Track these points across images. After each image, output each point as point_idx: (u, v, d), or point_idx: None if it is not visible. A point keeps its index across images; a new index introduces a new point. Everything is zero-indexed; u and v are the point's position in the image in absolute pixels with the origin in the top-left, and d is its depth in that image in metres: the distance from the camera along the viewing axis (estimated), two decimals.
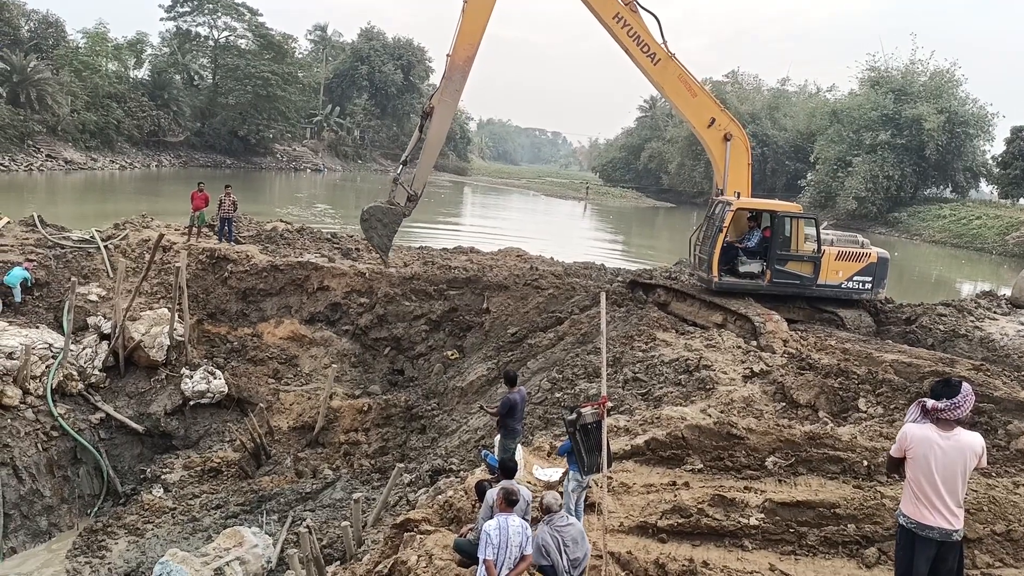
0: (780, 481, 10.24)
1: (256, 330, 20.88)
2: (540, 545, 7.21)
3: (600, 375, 8.81)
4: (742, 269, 18.02)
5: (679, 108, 19.35)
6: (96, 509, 16.85)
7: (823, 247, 17.89)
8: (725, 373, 14.19)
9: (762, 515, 9.46)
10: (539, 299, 20.86)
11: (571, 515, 8.09)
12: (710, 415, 11.84)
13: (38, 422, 16.50)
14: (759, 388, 13.60)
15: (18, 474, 15.70)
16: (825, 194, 74.80)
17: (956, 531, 6.42)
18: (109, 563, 14.71)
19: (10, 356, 16.58)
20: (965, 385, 6.38)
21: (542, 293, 21.14)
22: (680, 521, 9.38)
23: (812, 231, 18.51)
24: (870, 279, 18.09)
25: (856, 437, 11.19)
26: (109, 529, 15.60)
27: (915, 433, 6.40)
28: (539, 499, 7.99)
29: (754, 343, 16.02)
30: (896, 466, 6.66)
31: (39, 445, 16.29)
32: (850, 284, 18.01)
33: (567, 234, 53.33)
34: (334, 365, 19.90)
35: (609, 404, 9.06)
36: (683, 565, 8.71)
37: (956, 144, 71.60)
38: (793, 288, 17.97)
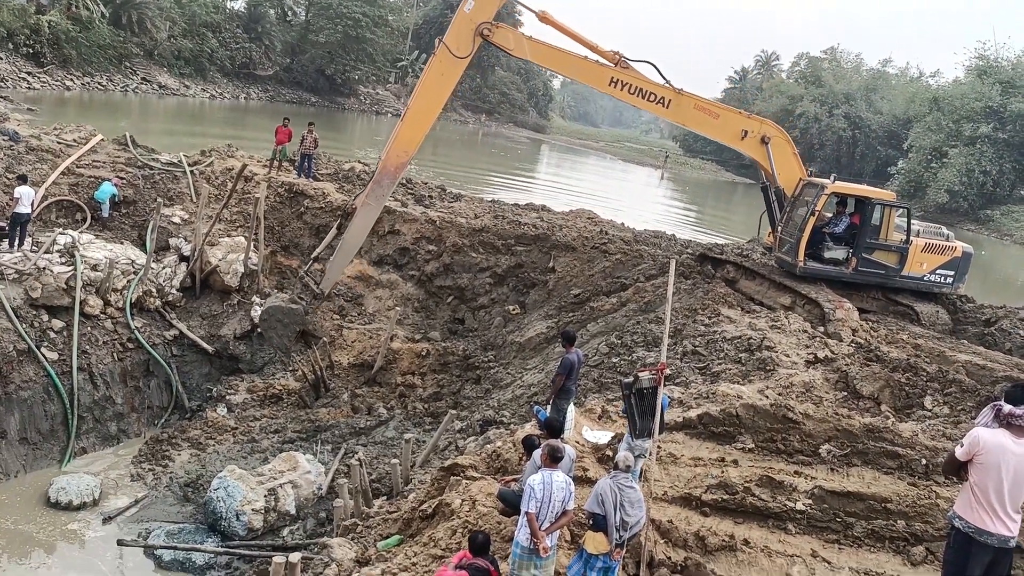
0: (832, 470, 10.08)
1: (324, 266, 21.35)
2: (598, 493, 7.28)
3: (660, 343, 8.78)
4: (827, 255, 17.49)
5: (708, 134, 19.06)
6: (163, 421, 17.71)
7: (911, 238, 17.26)
8: (787, 356, 13.94)
9: (810, 501, 9.36)
10: (605, 263, 20.75)
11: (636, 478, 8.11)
12: (767, 396, 11.68)
13: (116, 333, 17.33)
14: (821, 375, 13.33)
15: (93, 380, 16.58)
16: (915, 184, 71.66)
17: (1013, 538, 6.27)
18: (171, 472, 15.50)
19: (95, 268, 17.38)
20: None
21: (609, 257, 21.01)
22: (725, 497, 9.35)
23: (900, 220, 17.85)
24: (952, 273, 17.39)
25: (917, 435, 10.90)
26: (174, 440, 16.41)
27: (988, 439, 6.19)
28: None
29: (821, 329, 15.64)
30: (957, 469, 6.46)
31: (115, 355, 17.14)
32: (932, 277, 17.35)
33: (641, 200, 52.64)
34: (397, 308, 20.26)
35: (667, 371, 9.02)
36: (723, 540, 8.72)
37: None
38: (877, 278, 17.41)
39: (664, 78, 18.13)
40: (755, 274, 18.77)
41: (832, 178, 18.07)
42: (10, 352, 15.20)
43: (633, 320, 17.13)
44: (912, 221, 17.66)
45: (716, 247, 23.60)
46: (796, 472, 9.94)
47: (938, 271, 17.35)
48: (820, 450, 10.39)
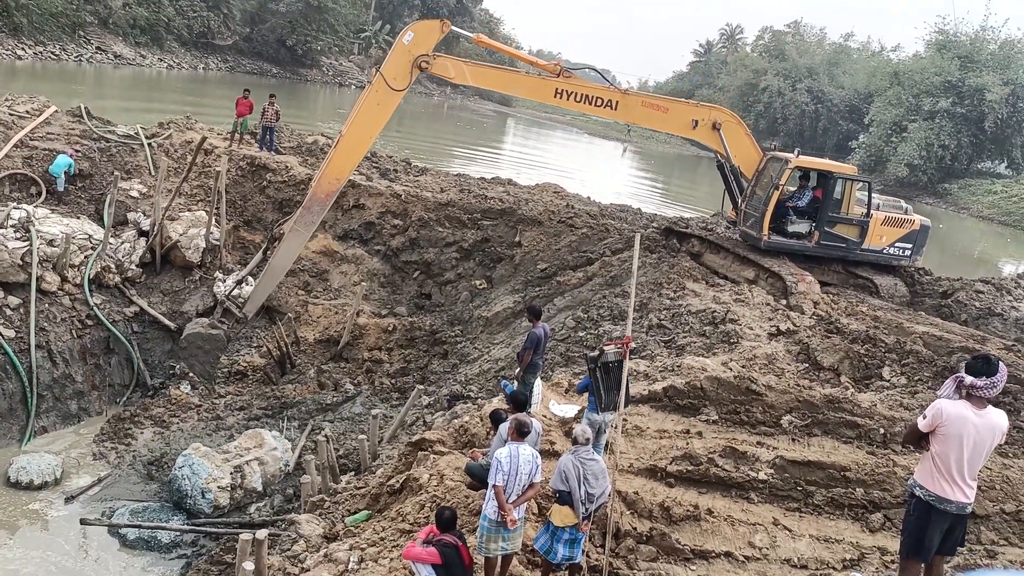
0: (793, 440, 10.29)
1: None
2: (561, 471, 7.36)
3: (626, 317, 8.83)
4: (791, 229, 17.71)
5: (660, 128, 19.32)
6: (125, 399, 17.44)
7: (871, 211, 17.56)
8: (751, 329, 14.13)
9: (771, 471, 9.55)
10: (572, 237, 20.78)
11: (596, 452, 8.20)
12: (731, 368, 11.85)
13: (74, 309, 16.98)
14: (783, 347, 13.55)
15: (52, 358, 16.25)
16: (876, 158, 72.67)
17: (970, 504, 6.48)
18: (134, 450, 15.31)
19: (51, 243, 16.96)
20: (1002, 364, 6.31)
21: (575, 232, 21.04)
22: (689, 468, 9.50)
23: (860, 194, 18.13)
24: (910, 246, 17.74)
25: (876, 405, 11.16)
26: (136, 419, 16.18)
27: (950, 410, 6.32)
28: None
29: (784, 302, 15.88)
30: (918, 439, 6.61)
31: (73, 332, 16.80)
32: (891, 250, 17.68)
33: (607, 174, 52.71)
34: (363, 283, 20.13)
35: (632, 346, 9.10)
36: (688, 510, 8.87)
37: (1018, 119, 68.84)
38: (839, 251, 17.70)
39: (607, 80, 18.28)
40: (720, 248, 18.96)
41: (796, 152, 18.26)
42: None
43: (599, 294, 17.22)
44: (872, 195, 17.94)
45: (681, 221, 23.76)
46: (759, 443, 10.13)
47: (897, 244, 17.68)
48: (782, 421, 10.59)
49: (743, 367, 12.03)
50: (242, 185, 21.72)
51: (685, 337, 13.97)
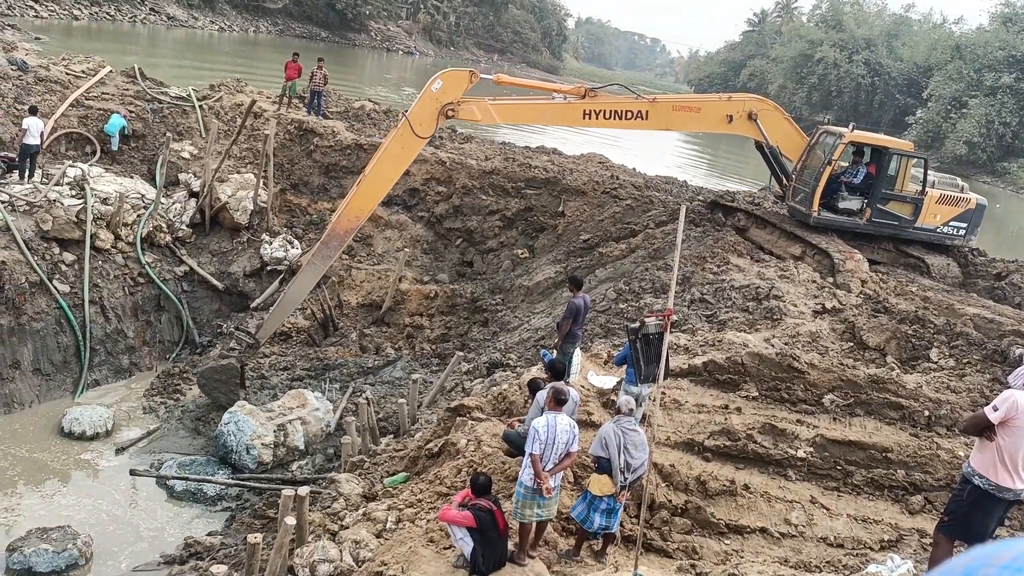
0: (835, 419, 10.17)
1: (335, 205, 21.28)
2: (602, 438, 7.39)
3: (668, 290, 8.77)
4: (841, 205, 17.30)
5: (695, 129, 19.07)
6: (174, 355, 17.93)
7: (926, 189, 17.08)
8: (795, 306, 13.93)
9: (811, 449, 9.47)
10: (616, 209, 20.63)
11: (638, 423, 8.20)
12: (773, 345, 11.72)
13: (127, 267, 17.43)
14: (828, 325, 13.34)
15: (105, 313, 16.74)
16: (933, 134, 70.49)
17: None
18: (182, 406, 15.77)
19: (104, 201, 17.38)
20: None
21: (619, 203, 20.88)
22: (727, 444, 9.46)
23: (915, 171, 17.63)
24: (965, 225, 17.23)
25: (922, 386, 10.96)
26: (185, 375, 16.64)
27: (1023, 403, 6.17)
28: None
29: (830, 280, 15.60)
30: (984, 429, 6.42)
31: (126, 289, 17.27)
32: (945, 229, 17.20)
33: (653, 145, 52.00)
34: (406, 249, 20.28)
35: (674, 318, 9.05)
36: (724, 485, 8.86)
37: None
38: (890, 229, 17.27)
39: (634, 92, 17.91)
40: (766, 223, 18.65)
41: (850, 127, 17.79)
42: (22, 284, 15.32)
43: (641, 267, 17.11)
44: (928, 172, 17.43)
45: (728, 194, 23.40)
46: (799, 421, 10.04)
47: (951, 223, 17.19)
48: (824, 399, 10.46)
49: (786, 344, 11.90)
50: (290, 149, 21.94)
51: (727, 312, 13.84)
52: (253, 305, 18.57)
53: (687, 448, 9.53)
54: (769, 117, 17.69)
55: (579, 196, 21.23)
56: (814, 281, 15.26)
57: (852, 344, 12.78)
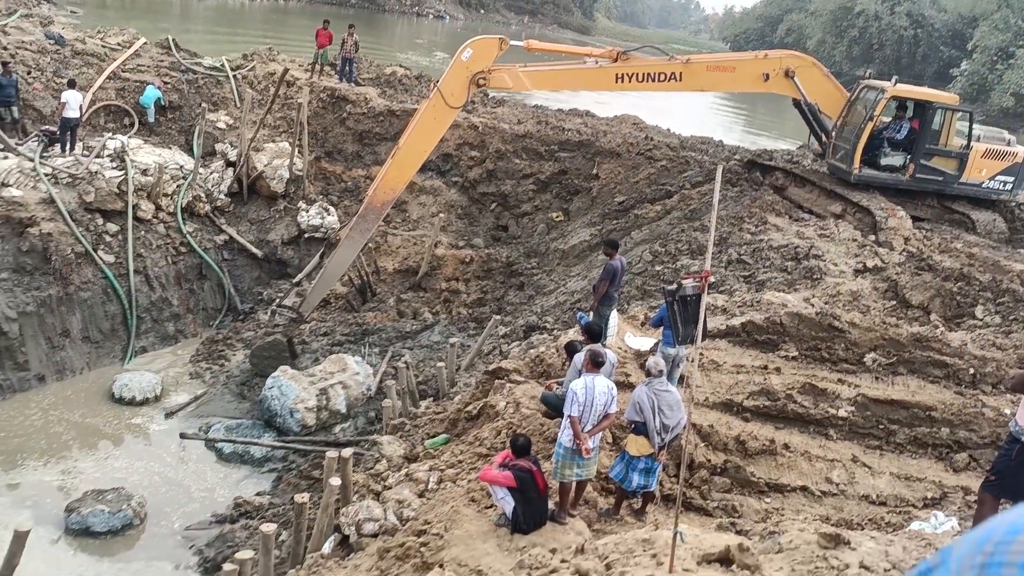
0: (877, 378, 10.08)
1: (369, 172, 21.38)
2: (636, 402, 7.43)
3: (705, 251, 8.71)
4: (883, 162, 16.89)
5: (731, 89, 18.52)
6: (217, 322, 18.30)
7: (971, 143, 16.60)
8: (835, 265, 13.75)
9: (852, 408, 9.42)
10: (650, 170, 20.42)
11: (671, 383, 8.21)
12: (813, 305, 11.60)
13: (168, 237, 17.75)
14: (869, 284, 13.15)
15: (149, 282, 17.10)
16: (979, 87, 68.16)
17: None
18: (227, 371, 16.13)
19: (144, 173, 17.65)
20: None
21: (654, 164, 20.65)
22: (767, 404, 9.45)
23: (960, 125, 17.14)
24: (1012, 180, 16.75)
25: (967, 344, 10.79)
26: (228, 341, 17.00)
27: None
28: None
29: (872, 238, 15.32)
30: None
31: (169, 258, 17.61)
32: (991, 184, 16.74)
33: (688, 106, 51.16)
34: (441, 214, 20.33)
35: (711, 280, 9.00)
36: (763, 444, 8.86)
37: None
38: (935, 185, 16.85)
39: (666, 54, 17.52)
40: (805, 181, 18.33)
41: (893, 81, 17.30)
42: (69, 255, 15.69)
43: (677, 228, 16.97)
44: (973, 125, 16.93)
45: (765, 153, 23.00)
46: (839, 380, 9.97)
47: (997, 177, 16.72)
48: (865, 359, 10.36)
49: (826, 304, 11.77)
50: (323, 117, 22.02)
51: (766, 272, 13.70)
52: (296, 280, 18.81)
53: (726, 408, 9.53)
54: (807, 74, 17.26)
55: (613, 158, 21.05)
56: (855, 240, 15.01)
57: (895, 303, 12.61)
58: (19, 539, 7.86)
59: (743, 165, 20.63)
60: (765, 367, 10.32)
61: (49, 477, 12.64)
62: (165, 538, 11.66)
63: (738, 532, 7.54)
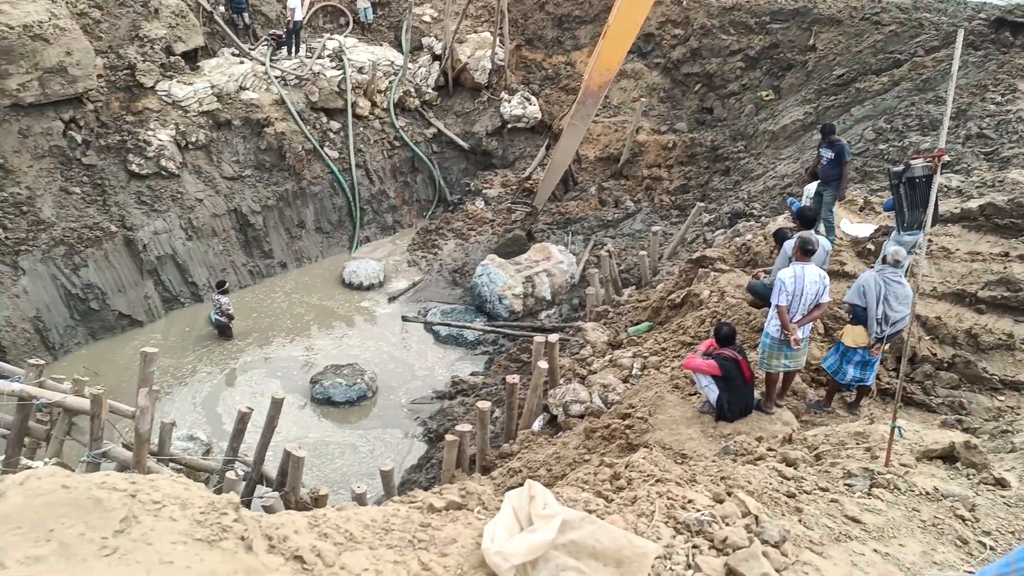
0: None
1: (570, 58, 21.13)
2: (860, 285, 7.07)
3: (939, 127, 7.88)
4: None
5: None
6: (430, 213, 19.38)
7: None
8: None
9: None
10: (877, 37, 18.41)
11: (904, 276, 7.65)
12: None
13: (383, 132, 18.80)
14: None
15: (369, 176, 18.34)
16: None
17: None
18: (440, 259, 17.17)
19: (360, 71, 18.61)
20: None
21: (882, 30, 18.57)
22: (1005, 294, 8.61)
23: None
24: None
25: None
26: (440, 231, 18.00)
27: None
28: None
29: None
30: None
31: (384, 152, 18.71)
32: None
33: None
34: (643, 99, 19.79)
35: (945, 158, 8.16)
36: (999, 339, 8.16)
37: None
38: None
39: None
40: None
41: None
42: (300, 152, 17.13)
43: (907, 101, 15.36)
44: None
45: (1018, 9, 19.89)
46: None
47: None
48: None
49: None
50: (522, 2, 21.83)
51: (1012, 148, 12.17)
52: (528, 172, 19.20)
53: (956, 299, 8.81)
54: None
55: (833, 26, 19.17)
56: None
57: None
58: (276, 405, 9.08)
59: (990, 24, 18.02)
60: (1006, 254, 9.33)
61: (295, 352, 14.36)
62: (394, 409, 12.97)
63: (964, 430, 7.12)
